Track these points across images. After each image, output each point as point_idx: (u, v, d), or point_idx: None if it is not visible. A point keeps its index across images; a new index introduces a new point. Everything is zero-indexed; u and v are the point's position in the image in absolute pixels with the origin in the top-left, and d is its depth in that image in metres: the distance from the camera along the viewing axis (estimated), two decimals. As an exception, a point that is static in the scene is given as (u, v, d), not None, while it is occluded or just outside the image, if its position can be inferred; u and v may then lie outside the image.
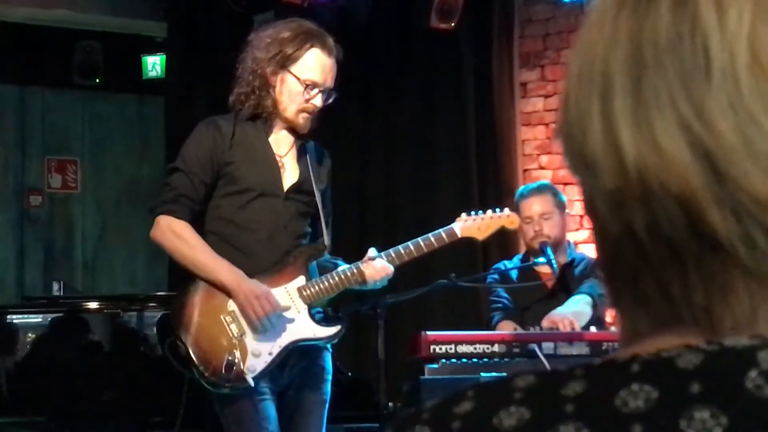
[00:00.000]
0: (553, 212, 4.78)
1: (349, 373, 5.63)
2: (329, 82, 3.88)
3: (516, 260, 4.94)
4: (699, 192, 0.66)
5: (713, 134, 0.66)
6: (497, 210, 4.21)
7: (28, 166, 8.81)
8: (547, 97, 6.90)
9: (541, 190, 4.89)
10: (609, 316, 5.29)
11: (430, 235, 4.01)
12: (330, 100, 3.92)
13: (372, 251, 3.95)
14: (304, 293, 3.88)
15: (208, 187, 3.84)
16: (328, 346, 3.98)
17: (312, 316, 3.88)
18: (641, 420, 0.65)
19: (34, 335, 5.70)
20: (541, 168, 6.91)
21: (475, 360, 4.20)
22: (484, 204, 6.58)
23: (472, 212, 4.16)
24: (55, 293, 7.98)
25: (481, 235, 4.16)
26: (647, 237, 0.68)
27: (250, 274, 3.81)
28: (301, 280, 3.88)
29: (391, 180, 7.04)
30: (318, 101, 3.87)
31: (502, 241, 5.12)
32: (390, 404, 4.19)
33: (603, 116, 0.69)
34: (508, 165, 6.84)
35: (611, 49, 0.69)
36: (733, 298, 0.67)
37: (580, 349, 4.24)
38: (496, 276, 4.93)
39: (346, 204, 7.08)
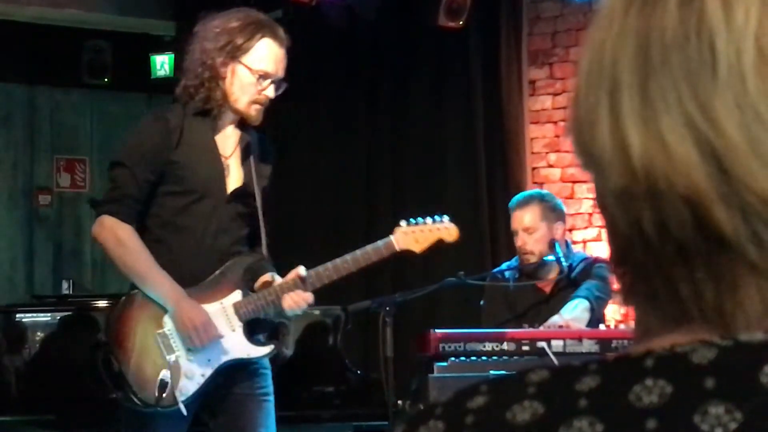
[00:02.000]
0: (537, 226, 4.76)
1: (358, 371, 5.63)
2: (281, 72, 3.78)
3: (515, 260, 4.93)
4: (705, 191, 0.66)
5: (719, 133, 0.66)
6: (437, 219, 4.04)
7: (37, 165, 8.82)
8: (555, 95, 6.89)
9: (527, 202, 4.84)
10: (612, 317, 5.29)
11: (368, 247, 3.86)
12: (281, 91, 3.82)
13: (301, 269, 3.78)
14: (240, 310, 3.76)
15: (152, 185, 3.73)
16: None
17: (246, 333, 3.76)
18: (655, 415, 0.65)
19: (43, 334, 5.71)
20: (550, 166, 6.90)
21: (484, 358, 4.20)
22: (491, 201, 6.62)
23: (412, 220, 3.99)
24: (65, 292, 8.00)
25: (418, 248, 3.97)
26: (655, 235, 0.68)
27: (186, 282, 3.71)
28: (237, 295, 3.77)
29: (399, 178, 7.04)
30: (270, 92, 3.76)
31: (511, 240, 5.11)
32: (399, 402, 4.20)
33: (611, 114, 0.69)
34: (517, 163, 6.83)
35: (619, 47, 0.69)
36: (743, 296, 0.66)
37: (590, 346, 4.24)
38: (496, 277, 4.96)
39: (353, 201, 7.10)
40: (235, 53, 3.73)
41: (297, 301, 3.74)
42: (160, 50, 8.22)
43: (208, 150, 3.77)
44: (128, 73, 8.56)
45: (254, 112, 3.78)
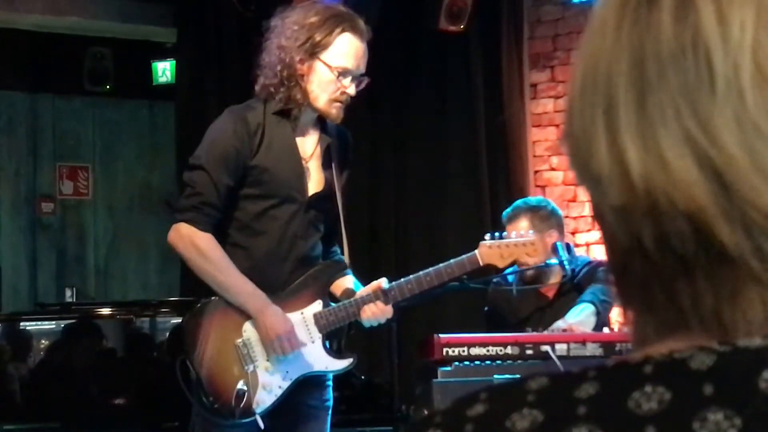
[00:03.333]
0: None
1: (363, 377, 5.62)
2: (362, 67, 3.65)
3: (515, 266, 4.92)
4: (707, 208, 0.65)
5: (719, 149, 0.65)
6: (522, 234, 4.01)
7: (40, 173, 8.83)
8: (557, 98, 6.90)
9: (516, 215, 4.81)
10: (616, 320, 5.29)
11: (452, 261, 3.79)
12: (362, 86, 3.68)
13: (383, 282, 3.71)
14: (321, 321, 3.67)
15: (232, 191, 3.60)
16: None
17: (325, 345, 3.68)
18: (654, 422, 0.64)
19: (47, 342, 5.71)
20: (552, 169, 6.90)
21: (488, 362, 4.20)
22: (494, 204, 6.62)
23: (496, 234, 3.94)
24: (68, 299, 8.00)
25: (502, 263, 3.93)
26: (656, 250, 0.67)
27: (263, 288, 3.60)
28: (318, 305, 3.68)
29: (401, 182, 7.05)
30: (352, 90, 3.62)
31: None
32: (403, 407, 4.19)
33: (608, 132, 0.68)
34: (519, 166, 6.84)
35: (614, 62, 0.69)
36: (745, 306, 0.66)
37: (594, 350, 4.24)
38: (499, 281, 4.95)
39: (356, 204, 7.09)
40: (314, 50, 3.58)
41: (376, 313, 3.67)
42: (162, 57, 8.22)
43: (288, 153, 3.64)
44: (130, 80, 8.57)
45: (335, 110, 3.63)
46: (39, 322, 5.81)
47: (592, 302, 4.52)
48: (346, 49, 3.63)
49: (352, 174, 3.90)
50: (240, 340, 3.62)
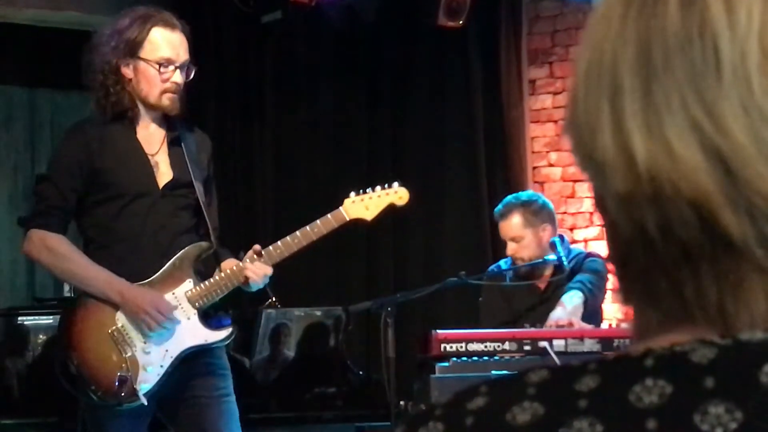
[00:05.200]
0: (523, 234, 4.76)
1: (360, 372, 5.63)
2: (183, 56, 3.78)
3: (509, 260, 4.92)
4: (712, 194, 0.65)
5: (725, 135, 0.65)
6: (386, 186, 4.06)
7: (38, 167, 8.80)
8: (555, 94, 6.90)
9: (508, 211, 4.82)
10: (613, 316, 5.29)
11: (317, 221, 3.87)
12: (192, 75, 3.83)
13: (257, 247, 3.82)
14: (193, 298, 3.78)
15: (79, 193, 3.75)
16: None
17: (202, 320, 3.78)
18: (655, 415, 0.64)
19: (45, 336, 5.71)
20: (551, 165, 6.90)
21: (485, 358, 4.20)
22: (492, 200, 6.62)
23: (361, 191, 4.00)
24: (66, 294, 7.99)
25: (369, 215, 3.99)
26: (659, 238, 0.67)
27: (135, 279, 3.72)
28: (188, 284, 3.78)
29: (399, 178, 7.02)
30: (177, 78, 3.76)
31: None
32: (401, 403, 4.20)
33: (613, 118, 0.68)
34: (517, 162, 6.83)
35: (620, 49, 0.69)
36: (748, 297, 0.66)
37: (592, 345, 4.24)
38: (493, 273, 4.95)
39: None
40: (132, 51, 3.75)
41: (257, 272, 3.77)
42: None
43: (132, 151, 3.78)
44: (128, 75, 8.56)
45: (167, 101, 3.79)
46: (37, 317, 5.81)
47: (581, 290, 4.52)
48: (160, 41, 3.78)
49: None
50: (114, 327, 3.72)
